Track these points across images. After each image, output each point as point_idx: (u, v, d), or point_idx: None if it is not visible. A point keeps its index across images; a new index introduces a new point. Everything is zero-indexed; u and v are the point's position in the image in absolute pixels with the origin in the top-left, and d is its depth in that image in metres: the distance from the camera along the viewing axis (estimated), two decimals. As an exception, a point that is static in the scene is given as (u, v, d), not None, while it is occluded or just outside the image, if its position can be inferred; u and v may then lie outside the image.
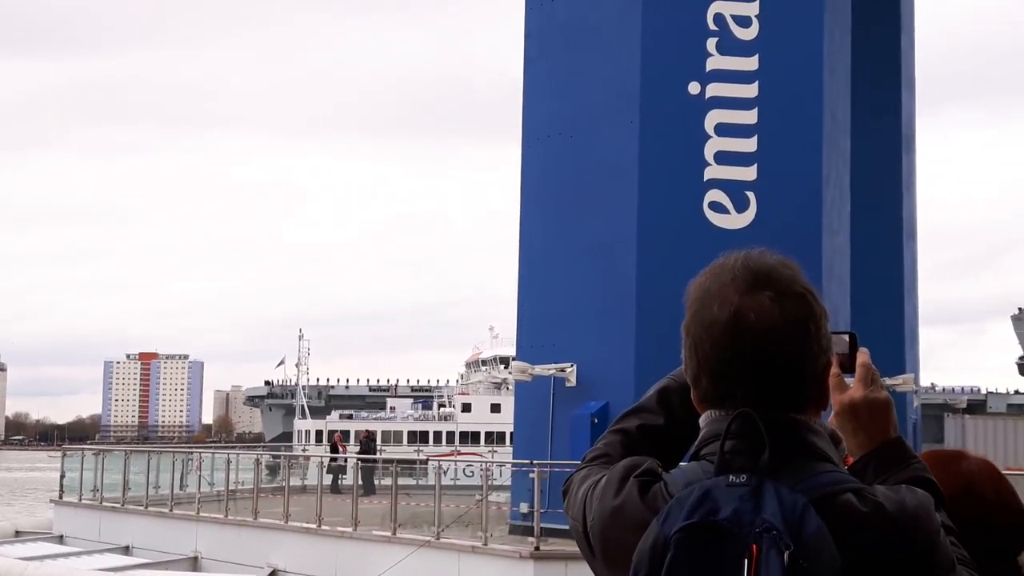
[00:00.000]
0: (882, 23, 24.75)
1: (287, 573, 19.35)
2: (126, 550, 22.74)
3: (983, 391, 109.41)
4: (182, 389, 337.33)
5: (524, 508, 18.26)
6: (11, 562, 19.82)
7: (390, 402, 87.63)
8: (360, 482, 21.47)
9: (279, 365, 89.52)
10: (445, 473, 21.34)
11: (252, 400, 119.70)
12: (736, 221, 18.98)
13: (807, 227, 18.89)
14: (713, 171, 19.16)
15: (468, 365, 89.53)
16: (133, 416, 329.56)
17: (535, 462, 17.95)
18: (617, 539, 1.76)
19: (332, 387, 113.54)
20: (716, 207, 19.08)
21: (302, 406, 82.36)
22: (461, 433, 70.11)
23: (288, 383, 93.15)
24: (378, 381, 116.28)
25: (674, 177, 19.23)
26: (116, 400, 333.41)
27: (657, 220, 19.13)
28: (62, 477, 26.99)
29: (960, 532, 1.86)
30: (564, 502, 2.02)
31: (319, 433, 67.22)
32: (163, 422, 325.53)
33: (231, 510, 21.47)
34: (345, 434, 51.12)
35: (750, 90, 19.27)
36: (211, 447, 55.92)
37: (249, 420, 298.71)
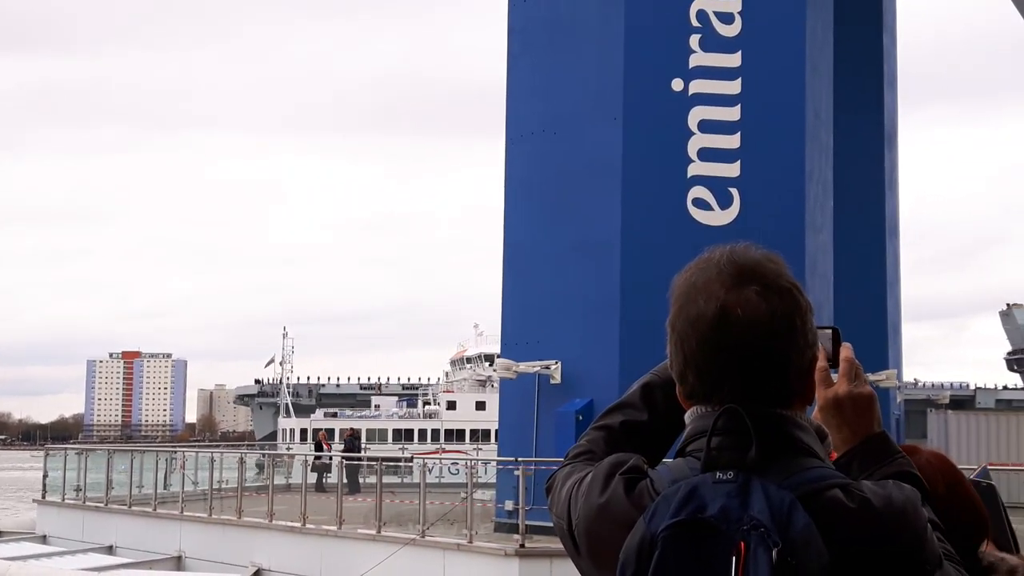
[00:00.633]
0: (864, 20, 24.85)
1: (271, 572, 19.30)
2: (109, 550, 22.65)
3: (972, 387, 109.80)
4: (165, 388, 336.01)
5: (509, 506, 18.26)
6: (-7, 563, 19.71)
7: (375, 400, 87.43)
8: (344, 480, 21.43)
9: (269, 364, 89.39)
10: (430, 471, 21.33)
11: (242, 399, 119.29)
12: (720, 218, 19.01)
13: (790, 223, 18.95)
14: (697, 168, 19.19)
15: (453, 363, 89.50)
16: (116, 415, 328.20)
17: (520, 459, 17.95)
18: (603, 537, 1.75)
19: (323, 385, 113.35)
20: (700, 204, 19.11)
21: (286, 404, 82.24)
22: (446, 431, 70.05)
23: (278, 382, 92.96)
24: (368, 379, 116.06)
25: (658, 174, 19.26)
26: (99, 399, 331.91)
27: (641, 217, 19.15)
28: (45, 477, 26.86)
29: None
30: (548, 499, 2.01)
31: (303, 432, 67.03)
32: (146, 421, 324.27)
33: (215, 509, 21.38)
34: (330, 432, 51.03)
35: (733, 86, 19.31)
36: (195, 446, 55.74)
37: (233, 419, 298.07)
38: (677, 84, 19.34)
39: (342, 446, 36.28)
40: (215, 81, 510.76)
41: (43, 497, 26.20)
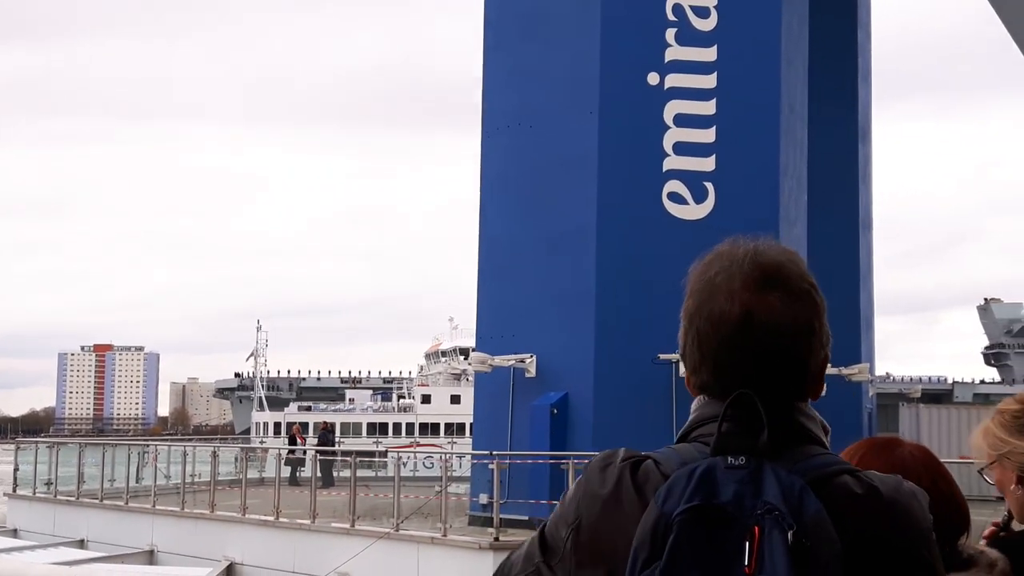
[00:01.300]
0: (839, 15, 24.94)
1: (244, 566, 19.22)
2: (81, 544, 22.51)
3: (949, 380, 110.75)
4: (137, 381, 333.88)
5: (483, 499, 18.25)
6: (-37, 557, 19.53)
7: (349, 393, 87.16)
8: (318, 474, 21.36)
9: (250, 357, 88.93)
10: (404, 465, 21.28)
11: (222, 392, 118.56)
12: (695, 212, 19.05)
13: (765, 217, 19.00)
14: (672, 162, 19.22)
15: (428, 356, 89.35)
16: (88, 408, 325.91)
17: (495, 453, 17.94)
18: (609, 529, 1.72)
19: (304, 379, 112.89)
20: (675, 198, 19.14)
21: (260, 398, 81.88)
22: (421, 424, 69.91)
23: (265, 374, 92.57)
24: (350, 373, 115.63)
25: (633, 168, 19.28)
26: (71, 392, 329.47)
27: (616, 211, 19.17)
28: (16, 470, 26.64)
29: None
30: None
31: (277, 425, 66.75)
32: (118, 414, 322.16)
33: (187, 503, 21.29)
34: (304, 426, 50.82)
35: (709, 81, 19.35)
36: (167, 439, 55.50)
37: (206, 412, 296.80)
38: (653, 78, 19.36)
39: (316, 440, 36.17)
40: (192, 73, 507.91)
41: (14, 491, 26.00)
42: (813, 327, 1.79)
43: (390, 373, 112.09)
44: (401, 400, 79.79)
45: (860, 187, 25.54)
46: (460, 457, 22.70)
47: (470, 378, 43.74)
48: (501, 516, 16.48)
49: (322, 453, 25.88)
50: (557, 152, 19.77)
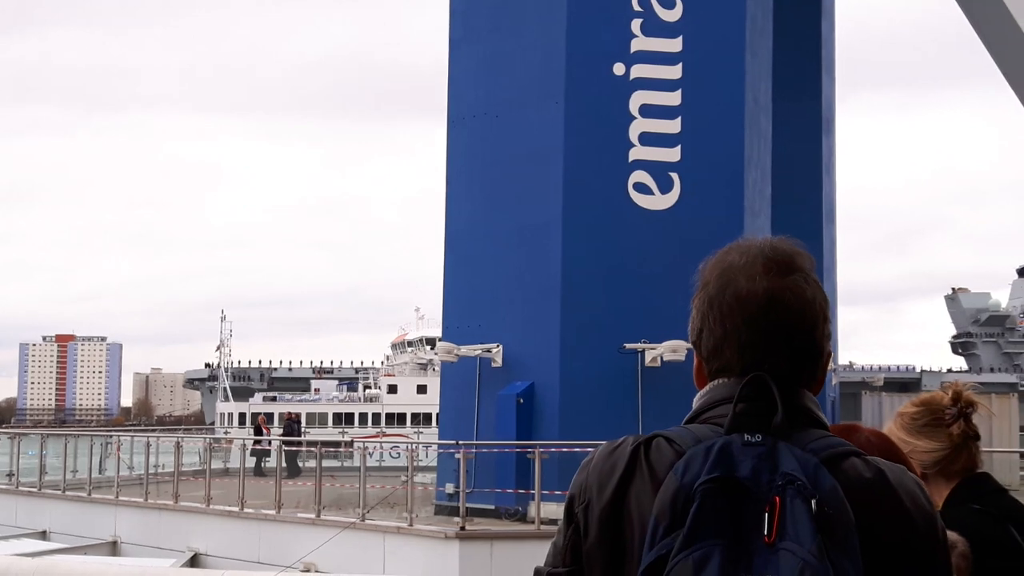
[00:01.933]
0: (803, 6, 25.08)
1: (209, 557, 19.13)
2: (44, 535, 22.31)
3: (918, 369, 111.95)
4: (100, 372, 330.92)
5: (450, 488, 18.28)
6: (-77, 550, 19.32)
7: (315, 384, 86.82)
8: (284, 465, 21.28)
9: (219, 348, 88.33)
10: (370, 455, 21.26)
11: (192, 383, 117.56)
12: (660, 202, 19.13)
13: (730, 208, 19.13)
14: (637, 152, 19.27)
15: (394, 346, 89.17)
16: (50, 399, 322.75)
17: (461, 442, 17.95)
18: (631, 506, 1.75)
19: (275, 369, 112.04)
20: (641, 188, 19.21)
21: (224, 388, 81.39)
22: (387, 414, 69.80)
23: (230, 365, 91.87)
24: (321, 363, 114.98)
25: (599, 158, 19.32)
26: (32, 383, 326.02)
27: (582, 201, 19.21)
28: (-24, 462, 26.38)
29: None
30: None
31: (242, 416, 66.38)
32: (81, 405, 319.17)
33: (151, 494, 21.15)
34: (269, 416, 50.59)
35: (674, 71, 19.41)
36: (130, 430, 55.04)
37: (170, 403, 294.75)
38: (619, 68, 19.40)
39: (282, 430, 36.01)
40: (158, 62, 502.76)
41: (-25, 483, 25.72)
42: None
43: (361, 363, 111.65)
44: (367, 390, 79.63)
45: (824, 178, 25.73)
46: (426, 447, 22.69)
47: (436, 368, 43.77)
48: (467, 505, 16.50)
49: (288, 443, 25.77)
50: (523, 142, 19.78)
